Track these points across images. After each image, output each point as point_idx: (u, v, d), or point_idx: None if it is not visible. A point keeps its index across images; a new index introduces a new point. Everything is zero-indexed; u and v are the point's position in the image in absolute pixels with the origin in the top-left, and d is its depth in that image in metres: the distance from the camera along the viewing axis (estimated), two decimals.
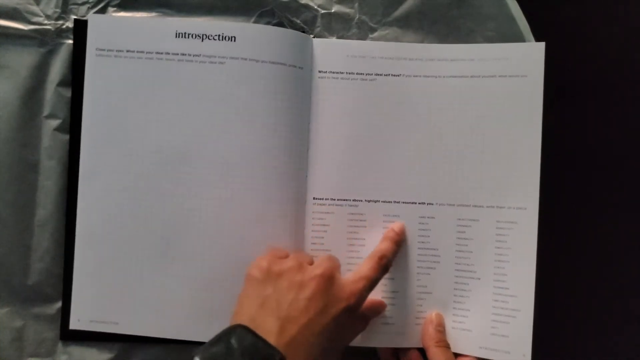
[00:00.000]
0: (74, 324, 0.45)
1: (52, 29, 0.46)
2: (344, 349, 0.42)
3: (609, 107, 0.92)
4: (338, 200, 0.46)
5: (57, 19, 0.46)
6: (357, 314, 0.42)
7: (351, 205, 0.46)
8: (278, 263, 0.41)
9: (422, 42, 0.48)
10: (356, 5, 0.48)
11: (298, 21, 0.48)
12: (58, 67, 0.46)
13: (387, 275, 0.44)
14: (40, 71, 0.46)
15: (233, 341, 0.35)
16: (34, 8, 0.46)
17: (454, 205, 0.46)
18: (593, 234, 0.91)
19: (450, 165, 0.46)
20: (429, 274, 0.46)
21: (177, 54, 0.45)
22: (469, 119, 0.46)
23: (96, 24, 0.45)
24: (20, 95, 0.46)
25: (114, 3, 0.47)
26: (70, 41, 0.46)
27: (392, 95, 0.47)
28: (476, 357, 0.45)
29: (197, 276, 0.45)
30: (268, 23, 0.47)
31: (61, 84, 0.46)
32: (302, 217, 0.46)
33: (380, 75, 0.47)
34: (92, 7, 0.46)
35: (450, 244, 0.46)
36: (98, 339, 0.46)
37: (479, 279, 0.46)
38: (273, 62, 0.45)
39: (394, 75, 0.47)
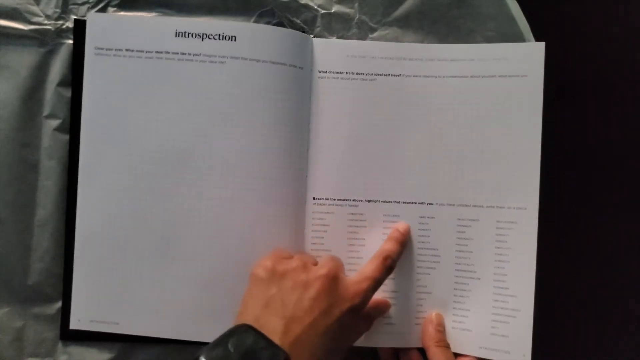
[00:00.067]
0: (74, 324, 0.45)
1: (52, 29, 0.46)
2: (348, 349, 0.42)
3: (609, 107, 0.92)
4: (338, 200, 0.46)
5: (57, 19, 0.46)
6: (361, 314, 0.42)
7: (351, 205, 0.46)
8: (282, 263, 0.41)
9: (422, 42, 0.48)
10: (356, 5, 0.48)
11: (298, 21, 0.48)
12: (58, 67, 0.46)
13: None
14: (40, 71, 0.46)
15: (230, 346, 0.34)
16: (34, 8, 0.46)
17: (454, 205, 0.46)
18: (593, 234, 0.91)
19: (450, 165, 0.46)
20: (429, 274, 0.46)
21: (177, 54, 0.45)
22: (468, 119, 0.46)
23: (95, 22, 0.45)
24: (20, 95, 0.45)
25: (114, 3, 0.47)
26: (70, 41, 0.46)
27: (392, 95, 0.47)
28: (476, 357, 0.45)
29: (197, 276, 0.45)
30: (268, 23, 0.47)
31: (61, 84, 0.46)
32: (302, 217, 0.46)
33: (380, 75, 0.47)
34: (92, 7, 0.46)
35: (450, 244, 0.46)
36: (98, 339, 0.46)
37: (479, 279, 0.46)
38: (273, 62, 0.45)
39: (394, 75, 0.47)
